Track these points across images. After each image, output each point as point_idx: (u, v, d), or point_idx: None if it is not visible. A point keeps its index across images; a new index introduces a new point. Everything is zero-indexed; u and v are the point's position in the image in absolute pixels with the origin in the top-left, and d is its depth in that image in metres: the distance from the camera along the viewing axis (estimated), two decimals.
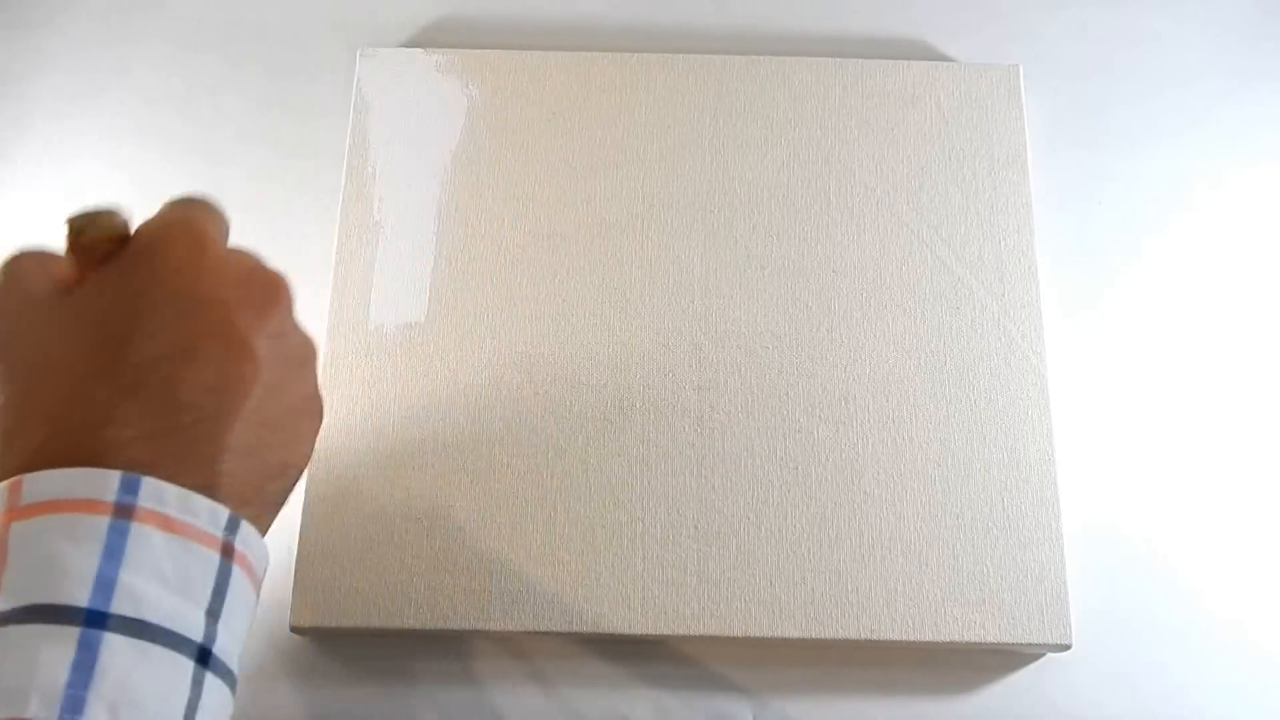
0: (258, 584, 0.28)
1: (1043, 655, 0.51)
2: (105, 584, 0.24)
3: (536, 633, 0.49)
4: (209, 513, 0.26)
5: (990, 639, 0.49)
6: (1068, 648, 0.49)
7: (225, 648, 0.26)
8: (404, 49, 0.61)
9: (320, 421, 0.32)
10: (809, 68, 0.59)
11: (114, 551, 0.24)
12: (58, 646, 0.23)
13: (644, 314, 0.54)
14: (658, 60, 0.59)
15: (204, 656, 0.25)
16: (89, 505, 0.24)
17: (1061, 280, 0.57)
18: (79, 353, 0.26)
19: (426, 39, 0.62)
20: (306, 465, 0.32)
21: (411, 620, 0.49)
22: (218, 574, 0.26)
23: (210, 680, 0.25)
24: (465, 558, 0.50)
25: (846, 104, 0.59)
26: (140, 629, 0.24)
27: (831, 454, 0.52)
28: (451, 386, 0.53)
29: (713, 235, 0.56)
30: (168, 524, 0.25)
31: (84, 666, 0.23)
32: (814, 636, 0.49)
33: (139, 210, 0.57)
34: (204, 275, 0.28)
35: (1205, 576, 0.52)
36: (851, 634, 0.49)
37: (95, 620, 0.23)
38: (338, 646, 0.51)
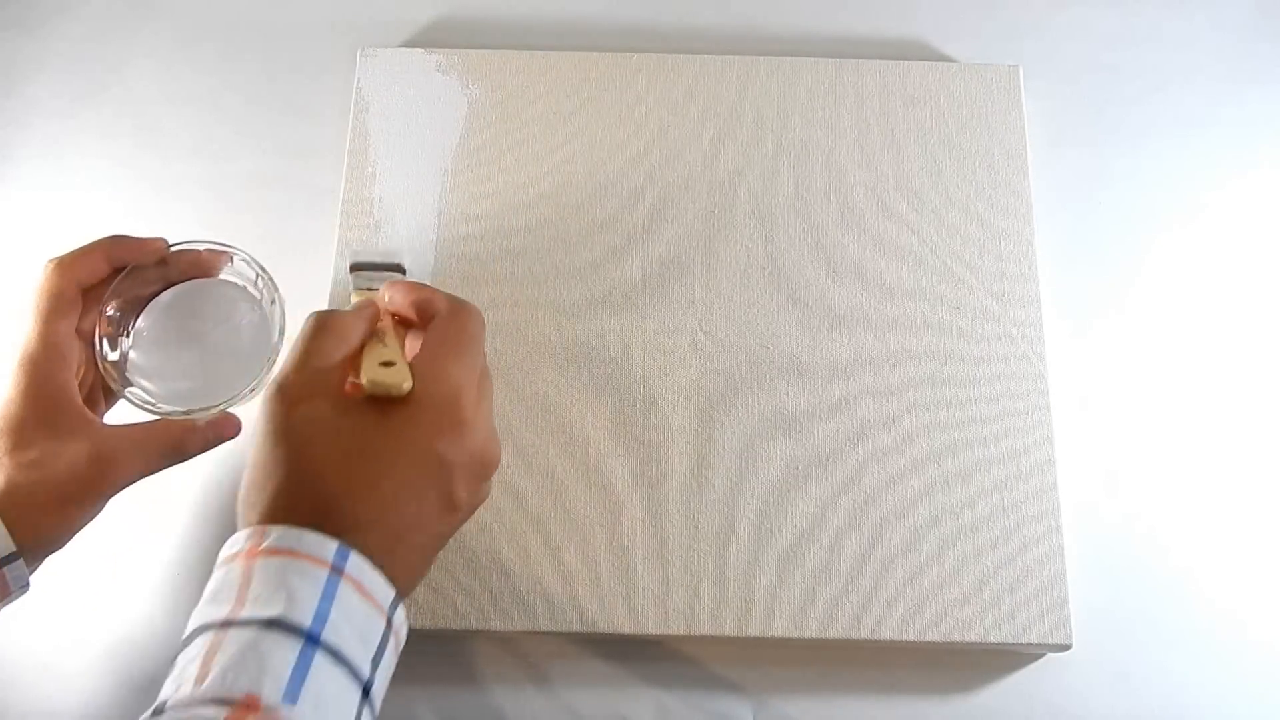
0: (399, 651, 0.37)
1: (1043, 655, 0.51)
2: (322, 616, 0.33)
3: (536, 633, 0.49)
4: (384, 591, 0.35)
5: (990, 639, 0.49)
6: (1068, 648, 0.49)
7: (377, 691, 0.35)
8: (404, 49, 0.60)
9: None
10: (809, 68, 0.59)
11: (329, 595, 0.34)
12: (287, 652, 0.32)
13: (644, 314, 0.54)
14: (658, 60, 0.60)
15: (365, 691, 0.34)
16: (315, 560, 0.34)
17: (1061, 279, 0.57)
18: (343, 466, 0.36)
19: (426, 39, 0.62)
20: None
21: (412, 620, 0.48)
22: (381, 636, 0.35)
23: (366, 713, 0.34)
24: (465, 558, 0.50)
25: (846, 104, 0.59)
26: (337, 656, 0.33)
27: (831, 454, 0.52)
28: None
29: (713, 235, 0.56)
30: (361, 589, 0.34)
31: (301, 669, 0.32)
32: (814, 636, 0.49)
33: (136, 206, 0.56)
34: (451, 443, 0.37)
35: (1205, 577, 0.52)
36: (851, 634, 0.49)
37: (312, 639, 0.33)
38: None
